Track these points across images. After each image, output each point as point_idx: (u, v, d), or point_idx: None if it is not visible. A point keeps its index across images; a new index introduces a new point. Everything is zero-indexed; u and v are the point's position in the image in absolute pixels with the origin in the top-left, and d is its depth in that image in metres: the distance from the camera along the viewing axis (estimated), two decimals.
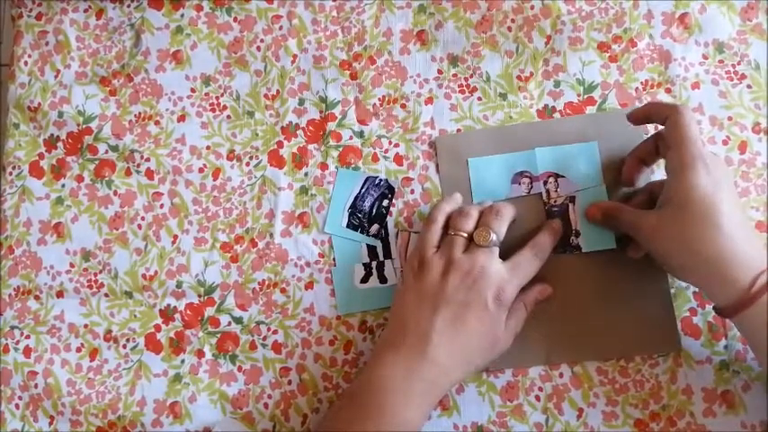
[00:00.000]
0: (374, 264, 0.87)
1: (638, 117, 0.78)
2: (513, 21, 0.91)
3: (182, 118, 0.95)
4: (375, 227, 0.87)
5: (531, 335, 0.81)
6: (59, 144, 0.96)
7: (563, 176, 0.85)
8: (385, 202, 0.88)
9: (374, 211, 0.88)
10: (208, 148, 0.93)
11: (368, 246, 0.88)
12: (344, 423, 0.74)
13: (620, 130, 0.85)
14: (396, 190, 0.88)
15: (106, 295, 0.91)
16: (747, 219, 0.71)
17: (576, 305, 0.81)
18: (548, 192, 0.85)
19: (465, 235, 0.77)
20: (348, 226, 0.88)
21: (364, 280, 0.87)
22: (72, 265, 0.93)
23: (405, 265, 0.83)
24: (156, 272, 0.91)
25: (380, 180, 0.88)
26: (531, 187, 0.85)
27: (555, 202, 0.84)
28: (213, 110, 0.94)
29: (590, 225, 0.82)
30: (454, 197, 0.84)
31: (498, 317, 0.74)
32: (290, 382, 0.86)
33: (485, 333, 0.74)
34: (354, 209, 0.88)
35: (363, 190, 0.89)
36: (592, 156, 0.84)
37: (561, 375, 0.82)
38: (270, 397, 0.86)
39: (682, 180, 0.68)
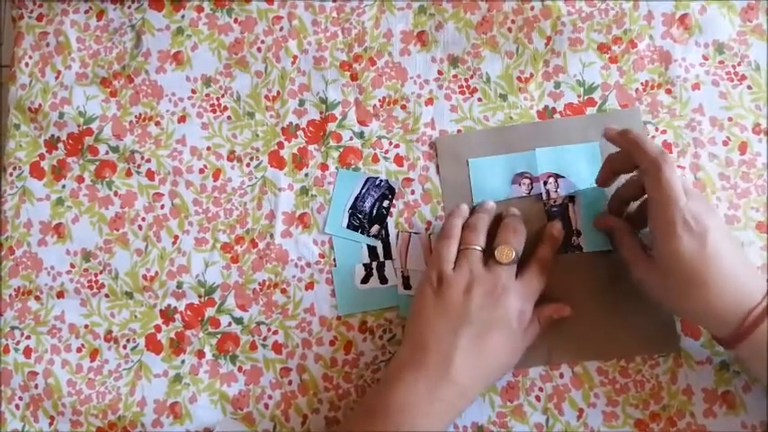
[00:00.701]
0: (374, 264, 0.87)
1: (614, 164, 0.77)
2: (513, 22, 0.91)
3: (182, 119, 0.95)
4: (375, 227, 0.87)
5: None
6: (60, 145, 0.96)
7: (563, 177, 0.85)
8: (385, 203, 0.88)
9: (374, 211, 0.88)
10: (208, 148, 0.93)
11: (368, 246, 0.88)
12: None
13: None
14: (396, 191, 0.88)
15: (107, 296, 0.91)
16: (738, 252, 0.69)
17: (576, 305, 0.81)
18: (548, 192, 0.85)
19: (479, 248, 0.77)
20: (348, 226, 0.88)
21: (365, 280, 0.87)
22: (72, 266, 0.93)
23: (421, 279, 0.80)
24: (156, 272, 0.91)
25: (381, 181, 0.88)
26: (532, 188, 0.85)
27: (555, 202, 0.84)
28: (214, 111, 0.94)
29: (590, 225, 0.82)
30: (461, 209, 0.83)
31: (520, 335, 0.75)
32: (290, 383, 0.86)
33: (507, 352, 0.75)
34: (355, 209, 0.88)
35: (364, 191, 0.89)
36: (593, 156, 0.85)
37: (561, 376, 0.81)
38: (270, 397, 0.86)
39: (665, 247, 0.68)
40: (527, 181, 0.85)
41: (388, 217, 0.88)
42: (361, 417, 0.76)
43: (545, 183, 0.85)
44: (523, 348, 0.76)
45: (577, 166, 0.85)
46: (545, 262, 0.79)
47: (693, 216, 0.66)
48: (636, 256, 0.75)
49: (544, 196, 0.84)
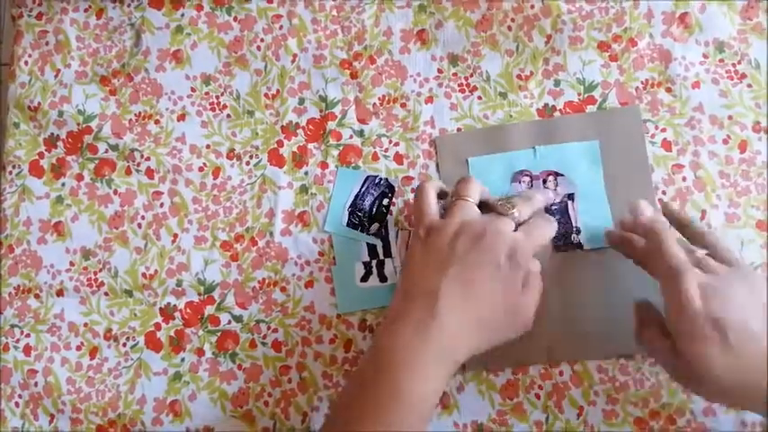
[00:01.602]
0: (374, 262, 0.87)
1: (623, 241, 0.76)
2: (513, 20, 0.91)
3: (182, 117, 0.95)
4: (375, 225, 0.87)
5: (532, 333, 0.81)
6: (59, 143, 0.96)
7: (562, 175, 0.85)
8: (385, 201, 0.88)
9: (374, 209, 0.88)
10: (208, 147, 0.93)
11: (368, 244, 0.88)
12: (358, 413, 0.68)
13: (620, 128, 0.85)
14: (396, 189, 0.88)
15: (106, 294, 0.91)
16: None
17: (576, 303, 0.81)
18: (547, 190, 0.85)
19: (471, 200, 0.73)
20: (348, 225, 0.88)
21: (364, 279, 0.87)
22: (72, 264, 0.93)
23: (412, 238, 0.78)
24: (156, 270, 0.91)
25: (380, 179, 0.88)
26: (531, 186, 0.85)
27: (554, 200, 0.84)
28: (213, 109, 0.94)
29: (590, 223, 0.82)
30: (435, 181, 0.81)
31: (513, 277, 0.68)
32: (290, 381, 0.86)
33: (499, 295, 0.68)
34: (354, 207, 0.88)
35: (363, 189, 0.89)
36: (592, 154, 0.85)
37: (561, 373, 0.82)
38: (270, 395, 0.86)
39: (687, 350, 0.65)
40: (527, 179, 0.85)
41: (388, 215, 0.88)
42: (355, 382, 0.72)
43: (544, 181, 0.85)
44: (528, 303, 0.69)
45: (577, 164, 0.85)
46: (536, 202, 0.75)
47: (711, 319, 0.63)
48: (661, 353, 0.70)
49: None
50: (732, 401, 0.70)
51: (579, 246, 0.83)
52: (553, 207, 0.84)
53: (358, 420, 0.67)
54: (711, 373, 0.63)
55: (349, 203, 0.89)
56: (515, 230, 0.71)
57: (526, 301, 0.69)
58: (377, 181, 0.88)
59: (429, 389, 0.67)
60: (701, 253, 0.69)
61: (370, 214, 0.88)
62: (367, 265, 0.87)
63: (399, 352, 0.67)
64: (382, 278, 0.87)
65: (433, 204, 0.75)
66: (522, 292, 0.69)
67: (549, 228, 0.73)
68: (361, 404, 0.68)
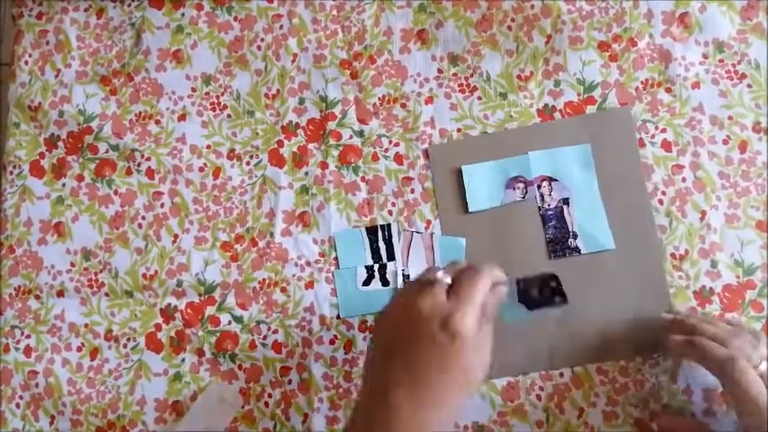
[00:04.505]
0: (376, 267, 0.87)
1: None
2: (513, 20, 0.91)
3: (182, 117, 0.95)
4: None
5: (534, 341, 0.81)
6: (60, 143, 0.96)
7: (556, 180, 0.85)
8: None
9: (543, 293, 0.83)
10: (208, 147, 0.93)
11: (371, 248, 0.88)
12: None
13: (612, 130, 0.86)
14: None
15: (107, 295, 0.91)
16: None
17: (576, 307, 0.81)
18: (542, 195, 0.85)
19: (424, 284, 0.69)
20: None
21: (366, 282, 0.87)
22: (72, 265, 0.93)
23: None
24: (156, 271, 0.91)
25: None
26: (526, 192, 0.85)
27: (549, 205, 0.84)
28: (213, 109, 0.94)
29: (587, 226, 0.82)
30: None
31: (455, 347, 0.65)
32: (290, 382, 0.86)
33: (446, 368, 0.66)
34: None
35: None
36: (585, 158, 0.85)
37: (562, 375, 0.82)
38: (270, 396, 0.86)
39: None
40: (521, 185, 0.85)
41: (389, 216, 0.88)
42: None
43: (539, 186, 0.85)
44: (479, 354, 0.67)
45: (570, 168, 0.85)
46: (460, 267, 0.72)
47: None
48: None
49: (538, 200, 0.85)
50: None
51: (577, 250, 0.83)
52: (548, 212, 0.84)
53: None
54: None
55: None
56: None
57: (479, 358, 0.67)
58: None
59: None
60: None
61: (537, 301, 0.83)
62: (369, 269, 0.87)
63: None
64: (384, 282, 0.87)
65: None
66: (468, 355, 0.66)
67: (479, 280, 0.69)
68: None
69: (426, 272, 0.71)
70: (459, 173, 0.87)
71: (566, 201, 0.84)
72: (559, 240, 0.83)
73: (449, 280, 0.69)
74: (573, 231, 0.83)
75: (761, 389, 0.67)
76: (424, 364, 0.66)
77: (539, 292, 0.81)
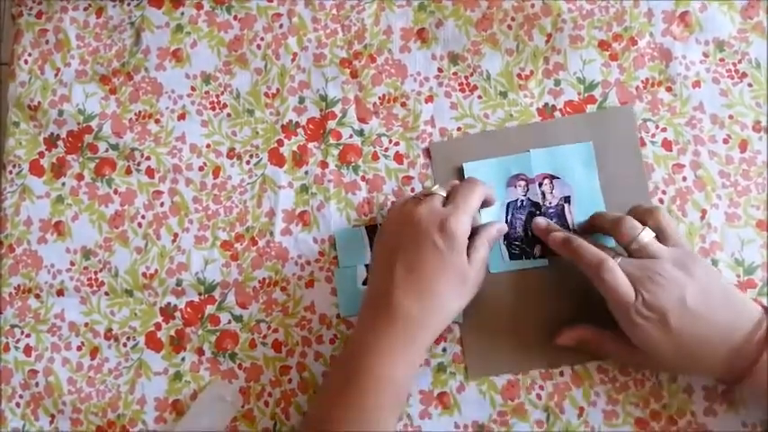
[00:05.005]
0: None
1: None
2: (513, 19, 0.91)
3: (182, 116, 0.95)
4: (538, 247, 0.84)
5: (531, 339, 0.81)
6: (60, 143, 0.96)
7: (558, 178, 0.85)
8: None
9: (530, 232, 0.84)
10: (208, 146, 0.93)
11: (371, 247, 0.87)
12: (335, 389, 0.75)
13: (614, 129, 0.85)
14: (541, 203, 0.85)
15: (106, 294, 0.91)
16: (714, 301, 0.70)
17: (574, 307, 0.81)
18: (543, 194, 0.85)
19: (418, 196, 0.78)
20: (511, 258, 0.85)
21: (366, 281, 0.87)
22: (72, 264, 0.93)
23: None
24: (156, 270, 0.91)
25: (521, 201, 0.86)
26: (528, 190, 0.85)
27: (550, 203, 0.84)
28: (213, 108, 0.94)
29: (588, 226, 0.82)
30: None
31: (453, 250, 0.73)
32: (290, 381, 0.86)
33: (444, 269, 0.73)
34: (510, 239, 0.85)
35: (509, 217, 0.86)
36: (586, 156, 0.85)
37: (562, 374, 0.82)
38: (270, 395, 0.86)
39: (632, 338, 0.72)
40: (522, 183, 0.85)
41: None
42: (334, 366, 0.81)
43: (540, 184, 0.85)
44: (477, 267, 0.75)
45: (572, 166, 0.85)
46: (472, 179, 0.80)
47: (647, 305, 0.69)
48: (617, 352, 0.77)
49: (539, 198, 0.84)
50: (683, 371, 0.77)
51: None
52: (549, 210, 0.84)
53: (336, 405, 0.73)
54: (658, 352, 0.70)
55: (502, 238, 0.85)
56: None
57: (475, 271, 0.75)
58: (518, 204, 0.86)
59: (400, 372, 0.73)
60: (649, 236, 0.73)
61: (527, 238, 0.85)
62: (369, 268, 0.87)
63: (367, 343, 0.74)
64: None
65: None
66: (469, 262, 0.74)
67: (474, 190, 0.77)
68: (338, 388, 0.74)
69: (423, 189, 0.80)
70: (460, 170, 0.87)
71: (567, 199, 0.84)
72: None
73: (443, 192, 0.78)
74: (573, 230, 0.83)
75: (627, 290, 0.69)
76: (423, 266, 0.73)
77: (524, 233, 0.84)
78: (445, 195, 0.77)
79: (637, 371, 0.81)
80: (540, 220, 0.82)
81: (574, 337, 0.79)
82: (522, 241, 0.85)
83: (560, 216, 0.83)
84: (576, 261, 0.75)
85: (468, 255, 0.74)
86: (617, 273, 0.70)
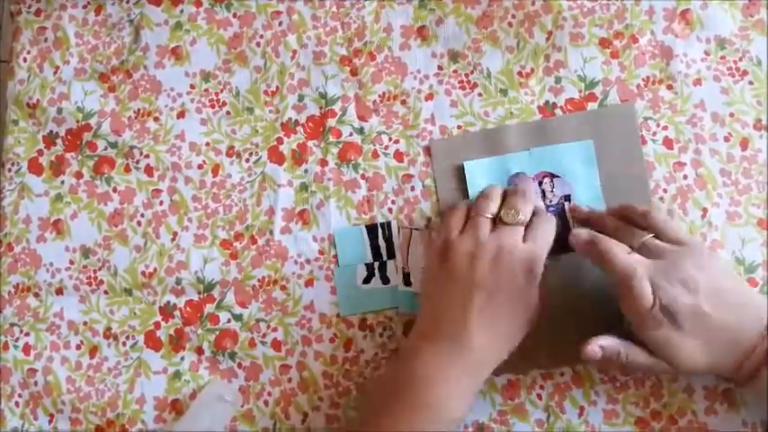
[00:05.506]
0: (376, 264, 0.87)
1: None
2: (513, 16, 0.90)
3: (181, 114, 0.94)
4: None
5: (532, 337, 0.81)
6: (58, 141, 0.96)
7: (558, 176, 0.85)
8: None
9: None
10: (207, 144, 0.93)
11: (371, 246, 0.87)
12: (391, 419, 0.72)
13: (615, 126, 0.85)
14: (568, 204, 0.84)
15: (106, 292, 0.91)
16: (726, 301, 0.69)
17: (575, 307, 0.81)
18: (543, 192, 0.85)
19: (489, 216, 0.77)
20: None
21: (366, 280, 0.87)
22: (71, 263, 0.93)
23: (428, 251, 0.84)
24: (155, 269, 0.91)
25: (554, 208, 0.85)
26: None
27: (551, 202, 0.84)
28: (213, 106, 0.94)
29: (589, 225, 0.82)
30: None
31: (531, 292, 0.73)
32: (290, 380, 0.86)
33: (521, 312, 0.73)
34: None
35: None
36: (587, 154, 0.84)
37: (562, 374, 0.82)
38: (270, 394, 0.86)
39: (645, 337, 0.71)
40: None
41: (389, 214, 0.88)
42: (386, 393, 0.76)
43: (540, 183, 0.85)
44: (537, 303, 0.75)
45: (572, 164, 0.85)
46: (526, 198, 0.78)
47: (663, 309, 0.68)
48: (642, 363, 0.74)
49: (540, 196, 0.84)
50: (700, 373, 0.73)
51: None
52: (550, 209, 0.84)
53: (389, 427, 0.71)
54: (673, 355, 0.69)
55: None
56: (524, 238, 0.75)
57: (536, 300, 0.74)
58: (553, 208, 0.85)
59: (460, 404, 0.73)
60: (645, 237, 0.73)
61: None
62: (369, 267, 0.87)
63: (431, 368, 0.72)
64: (384, 280, 0.86)
65: (459, 221, 0.79)
66: (537, 293, 0.74)
67: (551, 227, 0.77)
68: (393, 412, 0.72)
69: (507, 211, 0.77)
70: (460, 169, 0.87)
71: (567, 197, 0.84)
72: (560, 237, 0.82)
73: (528, 217, 0.77)
74: (574, 228, 0.83)
75: (649, 297, 0.68)
76: (503, 305, 0.73)
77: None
78: (525, 223, 0.76)
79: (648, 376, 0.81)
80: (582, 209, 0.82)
81: (599, 351, 0.75)
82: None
83: (560, 215, 0.83)
84: (598, 263, 0.74)
85: None
86: (645, 282, 0.68)
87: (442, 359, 0.72)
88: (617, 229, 0.75)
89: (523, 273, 0.72)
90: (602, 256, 0.72)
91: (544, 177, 0.85)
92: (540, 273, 0.73)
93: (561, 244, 0.81)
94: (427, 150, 0.89)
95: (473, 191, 0.86)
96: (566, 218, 0.83)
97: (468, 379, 0.72)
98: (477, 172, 0.86)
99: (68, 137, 0.96)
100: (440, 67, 0.91)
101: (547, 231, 0.76)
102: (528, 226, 0.76)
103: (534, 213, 0.77)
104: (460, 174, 0.87)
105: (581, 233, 0.76)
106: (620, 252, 0.72)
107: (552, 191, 0.84)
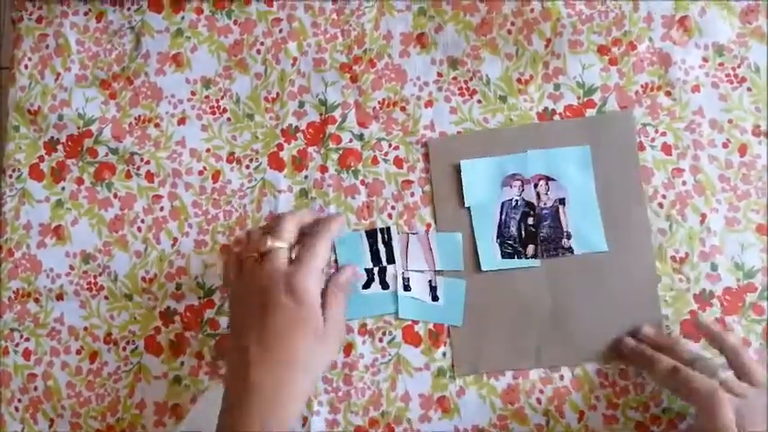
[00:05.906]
0: (376, 269, 0.87)
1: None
2: (512, 24, 0.91)
3: (182, 121, 0.95)
4: (531, 247, 0.85)
5: (522, 337, 0.82)
6: (59, 147, 0.96)
7: (553, 179, 0.85)
8: (530, 221, 0.86)
9: (523, 232, 0.86)
10: (208, 150, 0.93)
11: (371, 251, 0.87)
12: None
13: (613, 133, 0.86)
14: (535, 203, 0.86)
15: (106, 298, 0.91)
16: None
17: (566, 307, 0.82)
18: (538, 194, 0.85)
19: (256, 255, 0.73)
20: (503, 257, 0.86)
21: (366, 285, 0.87)
22: (72, 268, 0.93)
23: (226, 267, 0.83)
24: (155, 274, 0.91)
25: (516, 201, 0.86)
26: (523, 190, 0.85)
27: (545, 204, 0.85)
28: (213, 113, 0.94)
29: (581, 227, 0.83)
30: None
31: (304, 310, 0.69)
32: None
33: (298, 333, 0.69)
34: (503, 238, 0.86)
35: (504, 217, 0.86)
36: (584, 159, 0.85)
37: (562, 378, 0.82)
38: None
39: None
40: (518, 183, 0.86)
41: (389, 220, 0.88)
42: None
43: (535, 185, 0.85)
44: (333, 320, 0.72)
45: (568, 168, 0.85)
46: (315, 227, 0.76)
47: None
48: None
49: (534, 198, 0.85)
50: None
51: (570, 250, 0.83)
52: (544, 211, 0.84)
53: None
54: None
55: (495, 236, 0.86)
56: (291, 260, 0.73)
57: (331, 323, 0.72)
58: (513, 204, 0.86)
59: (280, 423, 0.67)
60: (727, 374, 0.72)
61: (520, 238, 0.86)
62: (369, 272, 0.87)
63: (225, 422, 0.69)
64: (384, 285, 0.87)
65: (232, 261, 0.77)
66: (323, 315, 0.71)
67: (320, 238, 0.74)
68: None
69: (251, 240, 0.75)
70: (457, 168, 0.87)
71: (561, 201, 0.84)
72: (553, 240, 0.83)
73: (284, 244, 0.73)
74: (567, 231, 0.83)
75: (732, 427, 0.67)
76: (277, 336, 0.69)
77: None
78: (287, 246, 0.73)
79: (637, 376, 0.81)
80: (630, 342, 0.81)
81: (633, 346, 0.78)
82: (515, 241, 0.85)
83: (554, 217, 0.84)
84: (679, 390, 0.73)
85: (322, 308, 0.71)
86: (729, 407, 0.68)
87: (231, 411, 0.69)
88: (695, 362, 0.74)
89: (282, 291, 0.69)
90: (682, 382, 0.72)
91: (539, 180, 0.85)
92: (305, 291, 0.69)
93: (555, 246, 0.81)
94: (426, 157, 0.89)
95: (468, 189, 0.86)
96: (559, 220, 0.84)
97: (260, 424, 0.67)
98: (473, 171, 0.86)
99: (69, 143, 0.96)
100: (439, 74, 0.91)
101: (309, 245, 0.73)
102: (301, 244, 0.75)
103: (311, 233, 0.75)
104: (457, 172, 0.87)
105: (664, 362, 0.75)
106: (696, 375, 0.71)
107: (547, 193, 0.85)
